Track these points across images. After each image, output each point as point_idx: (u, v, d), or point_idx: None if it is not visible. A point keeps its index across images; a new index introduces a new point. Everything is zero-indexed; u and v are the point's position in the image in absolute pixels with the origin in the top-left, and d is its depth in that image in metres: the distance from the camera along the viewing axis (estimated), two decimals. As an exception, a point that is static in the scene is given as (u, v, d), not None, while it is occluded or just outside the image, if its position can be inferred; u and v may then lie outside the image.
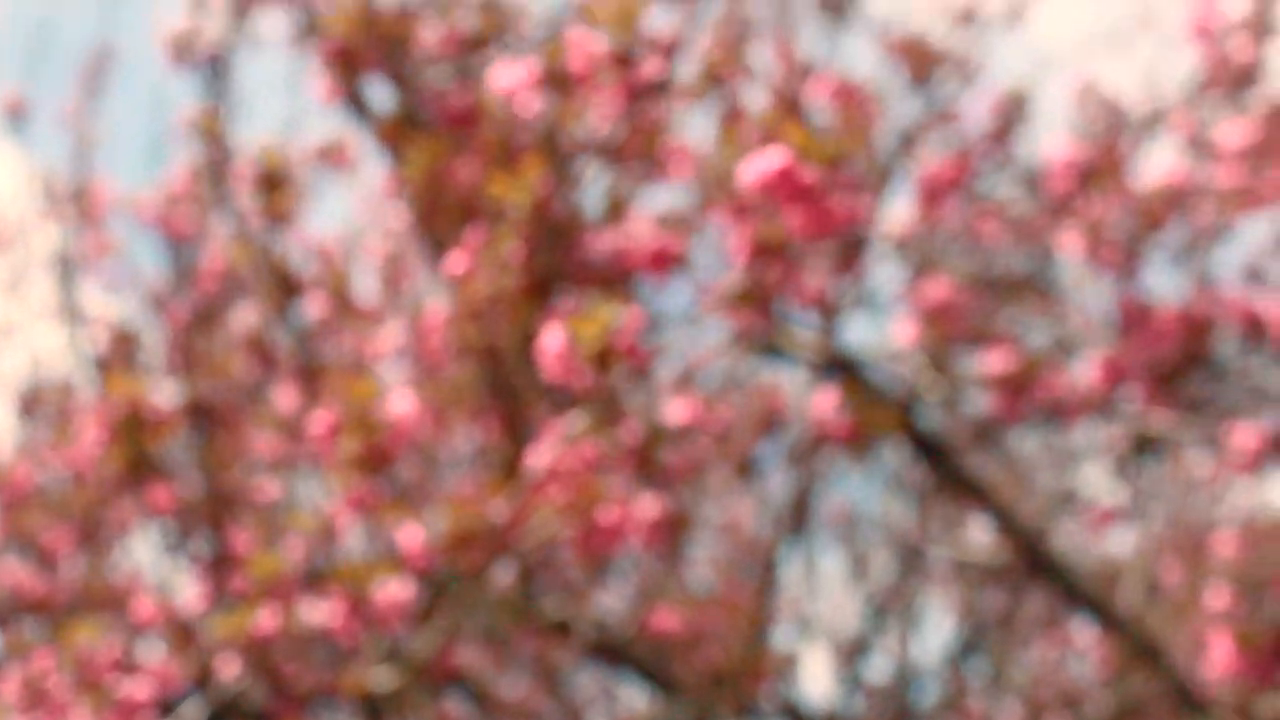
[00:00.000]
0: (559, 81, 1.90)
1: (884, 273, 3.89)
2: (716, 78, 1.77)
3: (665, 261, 2.42)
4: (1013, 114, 3.35)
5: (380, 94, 2.63)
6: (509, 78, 1.90)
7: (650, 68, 1.78)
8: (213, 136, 2.57)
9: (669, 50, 1.78)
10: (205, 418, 3.84)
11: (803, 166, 1.62)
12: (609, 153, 1.98)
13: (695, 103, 1.80)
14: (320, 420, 2.05)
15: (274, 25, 2.93)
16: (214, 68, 2.66)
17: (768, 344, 4.11)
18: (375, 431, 2.05)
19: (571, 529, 2.04)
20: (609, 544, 2.09)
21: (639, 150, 1.99)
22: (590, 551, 2.03)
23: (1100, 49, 3.89)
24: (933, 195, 3.57)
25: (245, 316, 3.62)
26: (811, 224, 1.61)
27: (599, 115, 1.87)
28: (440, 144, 2.18)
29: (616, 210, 2.09)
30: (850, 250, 3.76)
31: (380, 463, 2.06)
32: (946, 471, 4.04)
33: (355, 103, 2.72)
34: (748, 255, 2.49)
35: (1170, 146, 3.55)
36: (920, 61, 3.90)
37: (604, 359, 1.80)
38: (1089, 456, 4.42)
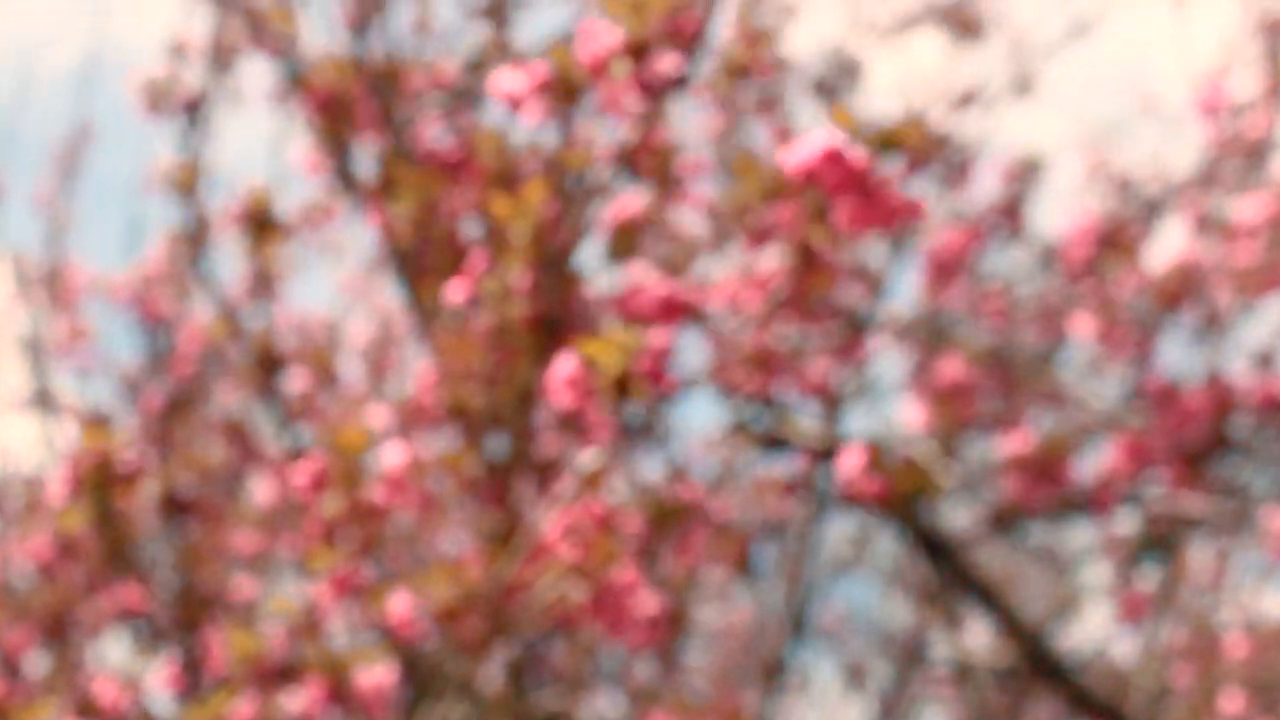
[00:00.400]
0: (566, 86, 1.68)
1: (890, 355, 3.67)
2: (740, 71, 1.55)
3: (675, 312, 2.19)
4: (1024, 183, 3.16)
5: (367, 155, 2.42)
6: (510, 85, 1.67)
7: (668, 61, 1.56)
8: (188, 190, 2.33)
9: (690, 41, 1.56)
10: (181, 511, 3.57)
11: (853, 149, 1.39)
12: (621, 166, 1.76)
13: (717, 99, 1.57)
14: (304, 470, 1.79)
15: (257, 78, 2.71)
16: (191, 118, 2.43)
17: (768, 434, 3.88)
18: (363, 484, 1.79)
19: (581, 593, 1.77)
20: (622, 612, 1.82)
21: (653, 166, 1.76)
22: (602, 618, 1.76)
23: (1106, 128, 3.74)
24: (940, 271, 3.37)
25: (223, 400, 3.38)
26: (864, 215, 1.38)
27: (611, 117, 1.65)
28: (431, 180, 1.95)
29: (626, 240, 1.86)
30: (854, 331, 3.55)
31: (369, 522, 1.80)
32: (949, 569, 3.79)
33: (340, 161, 2.50)
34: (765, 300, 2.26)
35: (1182, 225, 3.36)
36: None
37: (624, 386, 1.55)
38: (1095, 555, 4.20)
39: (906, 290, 3.77)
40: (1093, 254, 3.11)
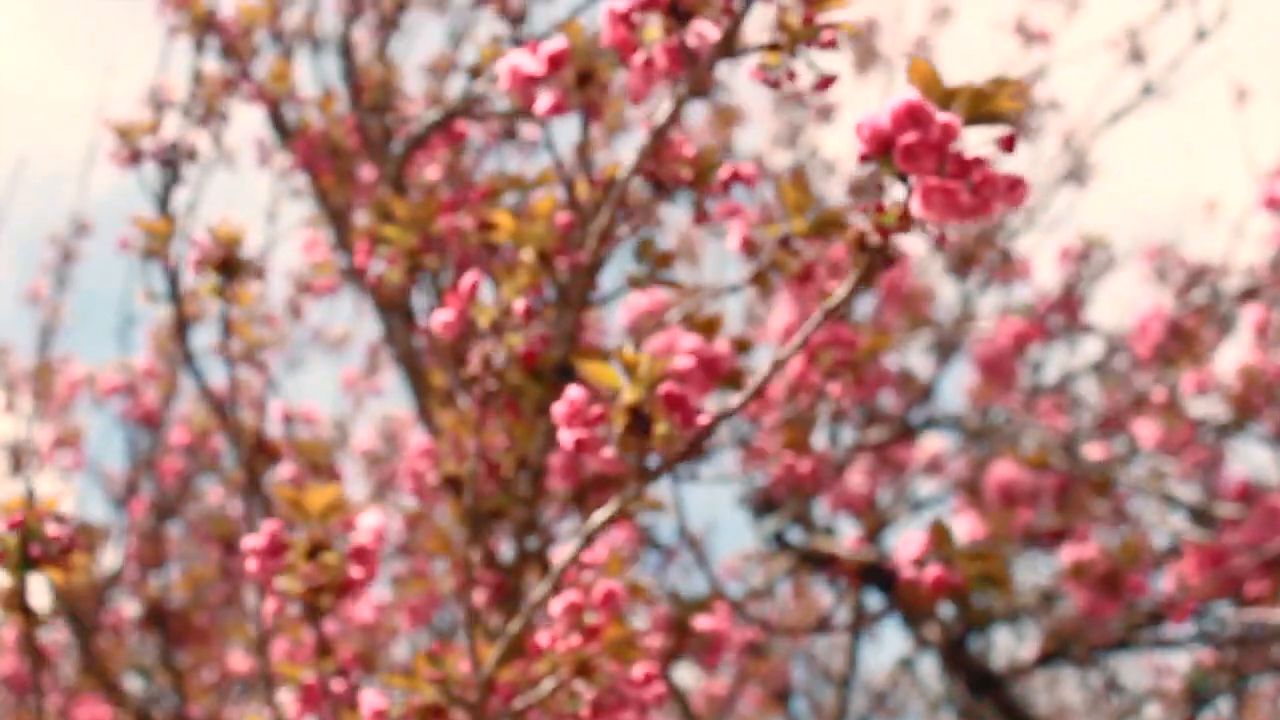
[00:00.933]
0: (585, 65, 1.37)
1: (937, 462, 3.32)
2: (793, 39, 1.24)
3: (714, 376, 1.87)
4: (1084, 268, 2.84)
5: (361, 209, 2.13)
6: (522, 65, 1.36)
7: (710, 27, 1.26)
8: (163, 249, 2.02)
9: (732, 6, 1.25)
10: (168, 624, 3.23)
11: (934, 109, 1.07)
12: (649, 173, 1.44)
13: (765, 73, 1.25)
14: (262, 533, 1.46)
15: (247, 132, 2.42)
16: (169, 170, 2.13)
17: (805, 550, 3.52)
18: (333, 555, 1.45)
19: (586, 693, 1.42)
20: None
21: (689, 175, 1.45)
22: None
23: (1169, 222, 3.45)
24: (992, 371, 3.04)
25: (213, 500, 3.05)
26: (952, 198, 1.05)
27: (638, 95, 1.33)
28: (427, 210, 1.64)
29: (654, 265, 1.54)
30: (899, 438, 3.20)
31: (340, 594, 1.46)
32: (997, 703, 3.40)
33: (338, 230, 2.20)
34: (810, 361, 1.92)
35: (1251, 323, 3.02)
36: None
37: (642, 420, 1.21)
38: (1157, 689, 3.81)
39: (955, 393, 3.44)
40: (1161, 350, 2.77)
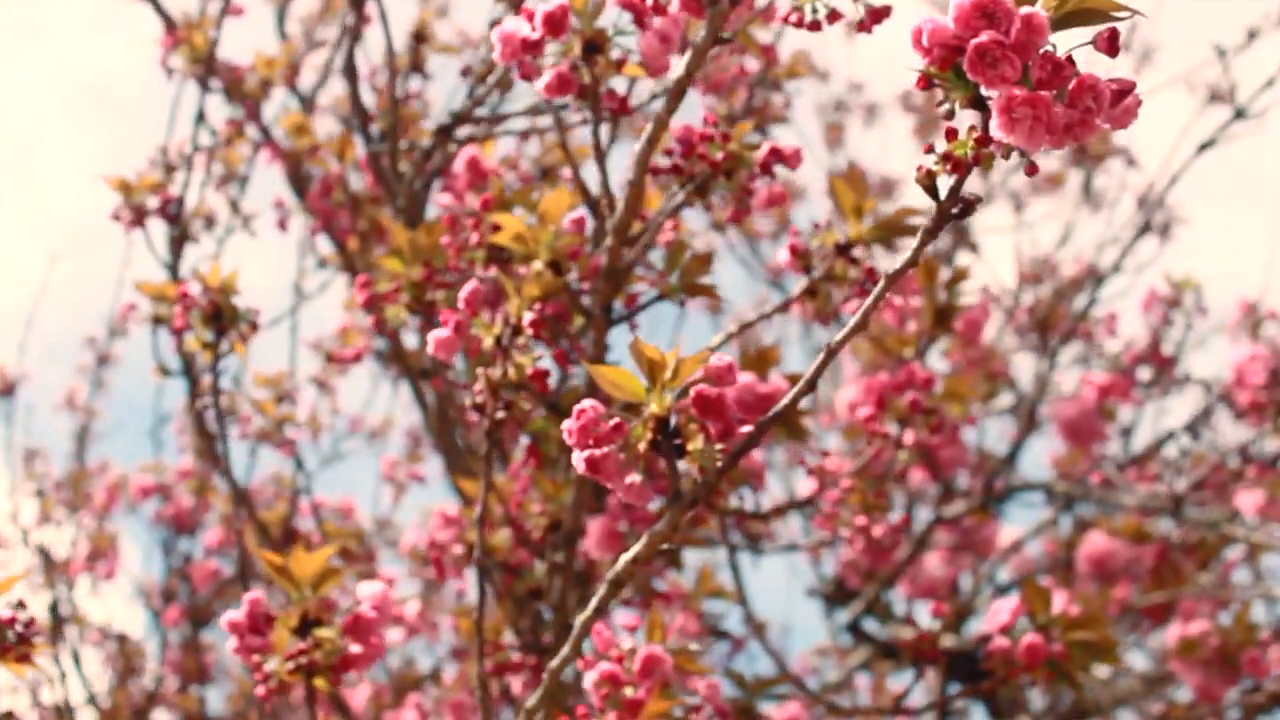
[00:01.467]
0: (590, 27, 1.14)
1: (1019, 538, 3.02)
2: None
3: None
4: (1175, 314, 2.55)
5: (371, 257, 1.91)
6: (518, 30, 1.14)
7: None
8: (170, 308, 1.81)
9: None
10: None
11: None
12: (672, 154, 1.20)
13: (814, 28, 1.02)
14: (243, 606, 1.23)
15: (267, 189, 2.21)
16: (176, 230, 1.93)
17: (882, 642, 3.21)
18: (327, 629, 1.21)
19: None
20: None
21: (723, 147, 1.20)
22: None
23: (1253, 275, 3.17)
24: (1079, 430, 2.75)
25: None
26: (1040, 115, 0.81)
27: (655, 65, 1.11)
28: (432, 235, 1.42)
29: (692, 271, 1.29)
30: (978, 514, 2.91)
31: (337, 673, 1.21)
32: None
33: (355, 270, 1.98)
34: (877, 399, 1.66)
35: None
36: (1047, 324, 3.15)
37: (666, 435, 0.96)
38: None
39: (1037, 467, 3.17)
40: (1265, 400, 2.47)
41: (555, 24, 1.15)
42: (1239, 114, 2.17)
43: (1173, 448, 2.70)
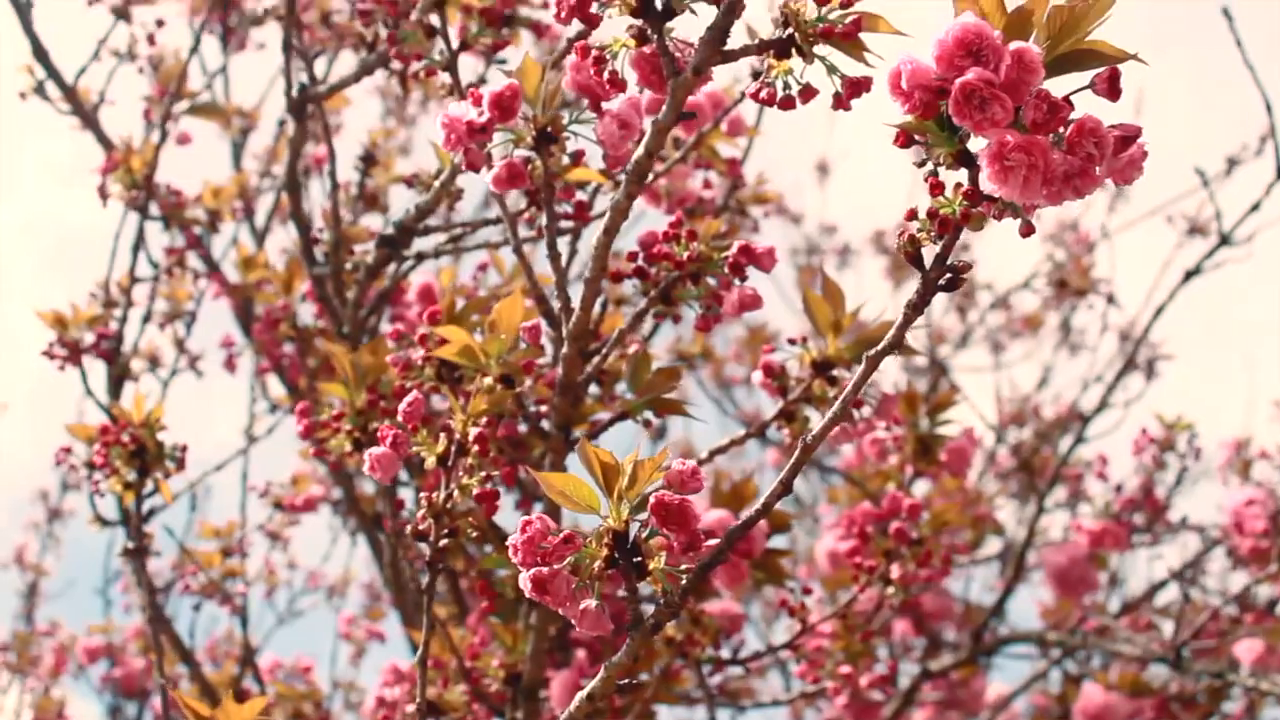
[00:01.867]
0: (545, 123, 1.04)
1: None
2: (806, 33, 0.90)
3: (746, 557, 1.50)
4: (1168, 455, 2.43)
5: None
6: (463, 115, 1.03)
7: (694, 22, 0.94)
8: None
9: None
10: None
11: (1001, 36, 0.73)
12: (637, 265, 1.09)
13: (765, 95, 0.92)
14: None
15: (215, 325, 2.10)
16: (114, 365, 1.80)
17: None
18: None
19: None
20: None
21: (689, 247, 1.09)
22: None
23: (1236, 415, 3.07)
24: (1069, 578, 2.60)
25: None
26: (1037, 166, 0.70)
27: (615, 148, 1.00)
28: (375, 354, 1.30)
29: (659, 385, 1.17)
30: (971, 662, 2.75)
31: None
32: None
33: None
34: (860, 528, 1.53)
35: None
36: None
37: (631, 551, 0.83)
38: None
39: (1025, 617, 3.01)
40: (1266, 546, 2.33)
41: (504, 107, 1.05)
42: (1224, 240, 2.08)
43: (1167, 595, 2.56)
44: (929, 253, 0.80)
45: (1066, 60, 0.76)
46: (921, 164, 0.79)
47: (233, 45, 2.17)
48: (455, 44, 1.23)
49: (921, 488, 2.01)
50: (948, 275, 0.80)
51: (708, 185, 1.58)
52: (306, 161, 2.08)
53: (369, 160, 1.73)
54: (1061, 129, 0.74)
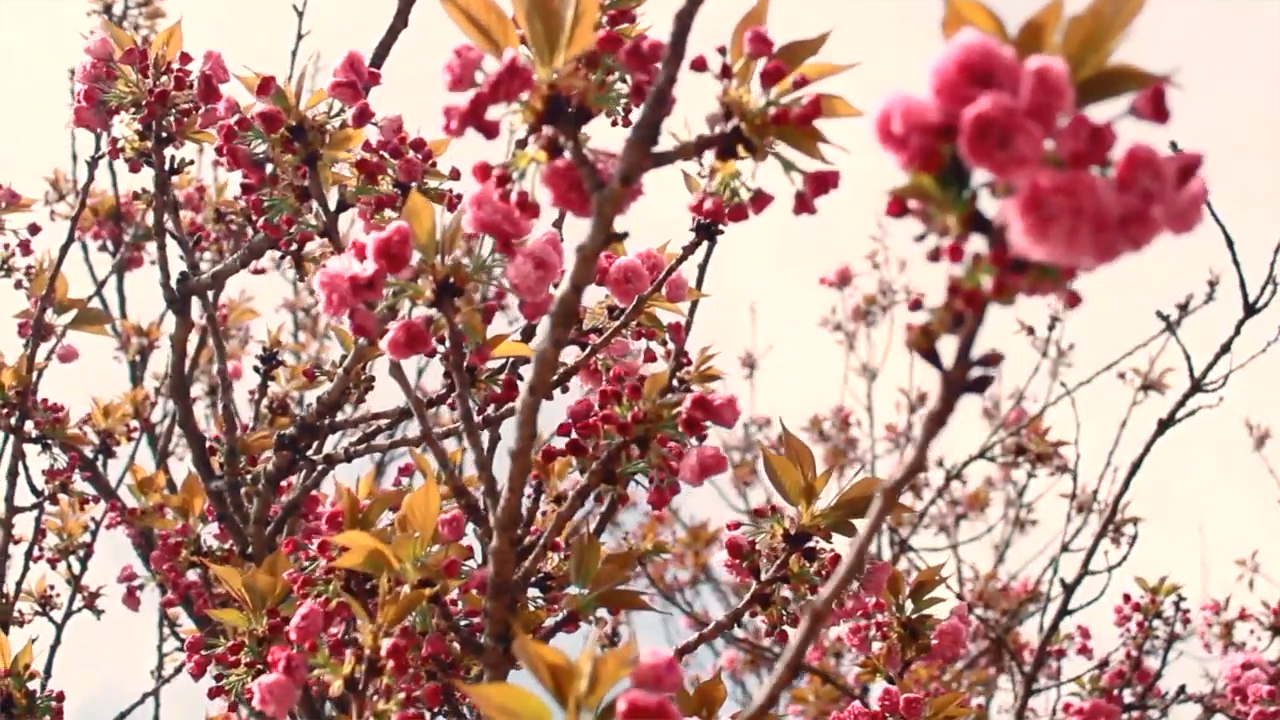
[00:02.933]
0: (447, 273, 0.85)
1: None
2: (755, 124, 0.72)
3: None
4: (1155, 622, 2.21)
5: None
6: (338, 275, 0.83)
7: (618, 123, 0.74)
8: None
9: (646, 62, 0.74)
10: None
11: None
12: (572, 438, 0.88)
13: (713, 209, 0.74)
14: None
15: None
16: None
17: None
18: None
19: None
20: None
21: (634, 403, 0.89)
22: None
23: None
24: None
25: None
26: (1083, 212, 0.51)
27: (533, 295, 0.81)
28: (274, 569, 1.07)
29: (609, 577, 0.95)
30: None
31: None
32: None
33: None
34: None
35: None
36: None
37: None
38: None
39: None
40: (1274, 713, 2.10)
41: (393, 255, 0.85)
42: (1197, 386, 1.91)
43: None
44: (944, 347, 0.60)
45: (1094, 86, 0.57)
46: (921, 238, 0.60)
47: (126, 260, 1.98)
48: (333, 204, 1.04)
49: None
50: (978, 368, 0.59)
51: (651, 357, 1.38)
52: (215, 377, 1.87)
53: (270, 361, 1.53)
54: (1106, 163, 0.55)
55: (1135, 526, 2.43)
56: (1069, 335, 3.15)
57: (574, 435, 0.97)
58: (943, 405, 0.60)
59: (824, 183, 0.75)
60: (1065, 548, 2.69)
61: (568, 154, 0.77)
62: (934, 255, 0.58)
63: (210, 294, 1.27)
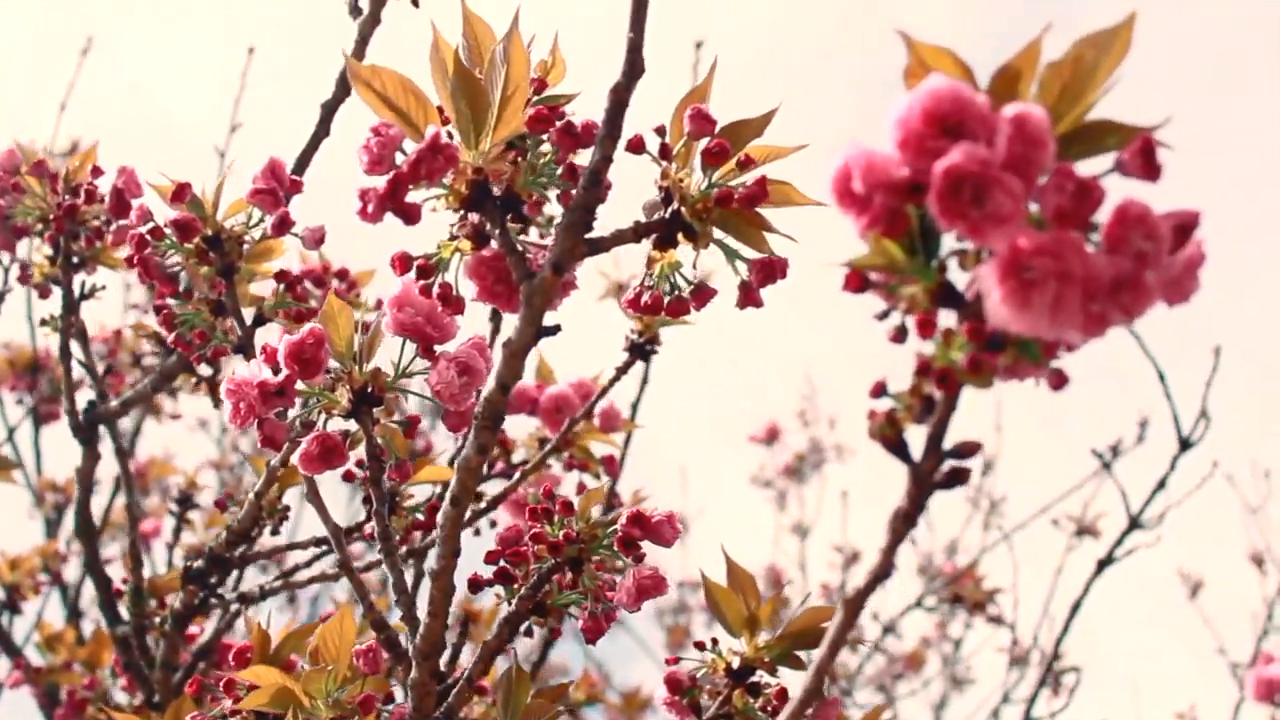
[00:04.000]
0: (364, 382, 0.76)
1: None
2: (696, 208, 0.65)
3: None
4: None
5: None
6: (245, 382, 0.75)
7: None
8: None
9: (568, 157, 0.67)
10: None
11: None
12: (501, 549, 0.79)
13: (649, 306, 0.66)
14: None
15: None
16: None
17: None
18: None
19: None
20: None
21: (565, 522, 0.81)
22: None
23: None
24: None
25: None
26: (1070, 279, 0.44)
27: (456, 408, 0.73)
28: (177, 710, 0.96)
29: (540, 711, 0.84)
30: None
31: None
32: None
33: None
34: None
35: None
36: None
37: None
38: None
39: None
40: None
41: (305, 360, 0.76)
42: (1135, 523, 1.85)
43: None
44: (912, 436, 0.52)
45: (1074, 141, 0.51)
46: (884, 315, 0.52)
47: (43, 414, 1.87)
48: (249, 319, 0.95)
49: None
50: (950, 465, 0.51)
51: (582, 490, 1.29)
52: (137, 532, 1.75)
53: (185, 503, 1.42)
54: (1091, 222, 0.48)
55: (1076, 675, 2.34)
56: (1001, 484, 3.10)
57: (502, 563, 0.88)
58: (911, 503, 0.51)
59: (771, 271, 0.68)
60: (1006, 698, 2.60)
61: (495, 243, 0.69)
62: (898, 335, 0.51)
63: (121, 425, 1.17)
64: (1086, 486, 2.53)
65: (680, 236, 0.69)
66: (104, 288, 1.19)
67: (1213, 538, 3.04)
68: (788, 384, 4.17)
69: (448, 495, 0.72)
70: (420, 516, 1.02)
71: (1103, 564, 1.88)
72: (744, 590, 0.99)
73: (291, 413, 0.80)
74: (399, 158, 0.67)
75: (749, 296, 0.69)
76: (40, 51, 4.17)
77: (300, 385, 0.78)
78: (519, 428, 1.38)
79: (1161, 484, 1.82)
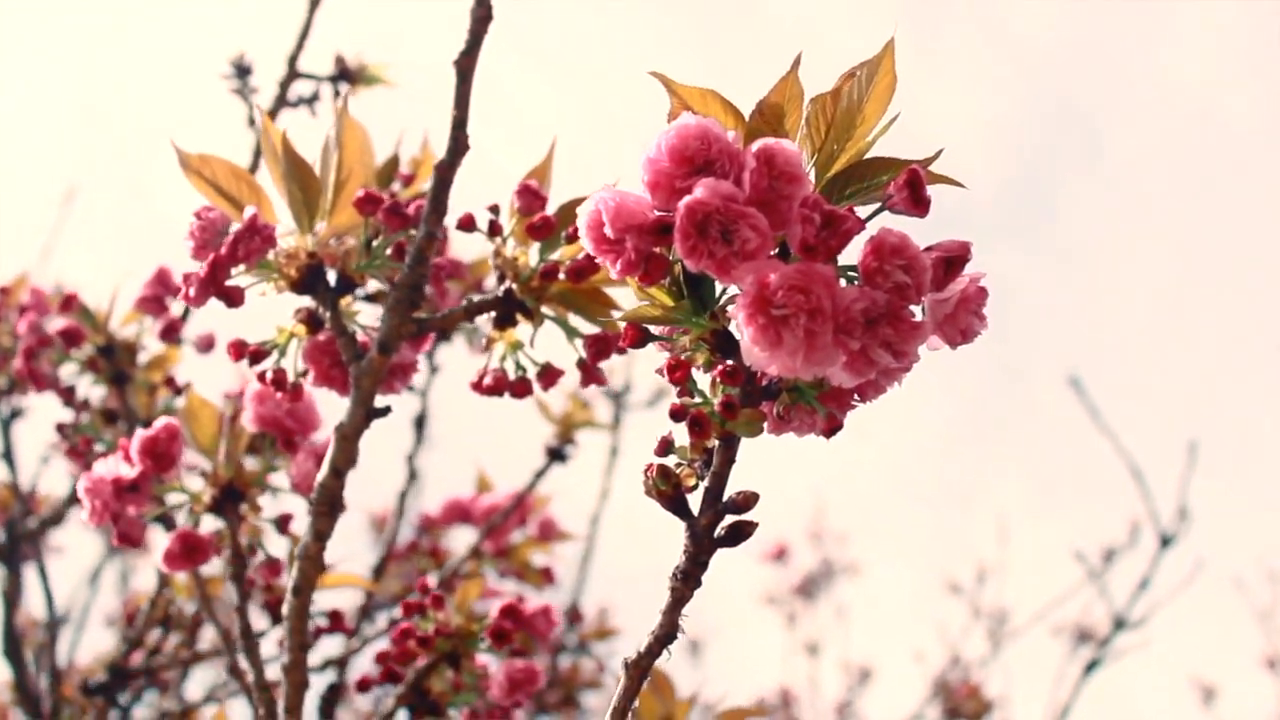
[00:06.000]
0: (227, 479, 0.74)
1: None
2: (531, 288, 0.63)
3: None
4: None
5: None
6: (99, 480, 0.72)
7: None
8: None
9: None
10: None
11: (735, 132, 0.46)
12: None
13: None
14: None
15: None
16: None
17: None
18: None
19: None
20: None
21: (434, 616, 0.77)
22: None
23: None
24: None
25: None
26: (820, 316, 0.42)
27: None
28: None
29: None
30: None
31: None
32: None
33: None
34: None
35: None
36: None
37: None
38: None
39: None
40: None
41: (159, 454, 0.74)
42: (1120, 624, 1.78)
43: None
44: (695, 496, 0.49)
45: (854, 177, 0.48)
46: (668, 371, 0.49)
47: None
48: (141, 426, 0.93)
49: None
50: (728, 521, 0.48)
51: (520, 601, 1.25)
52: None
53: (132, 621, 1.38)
54: (841, 251, 0.45)
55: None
56: (1003, 594, 3.00)
57: (389, 664, 0.84)
58: (690, 560, 0.48)
59: (605, 346, 0.66)
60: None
61: (328, 326, 0.67)
62: (671, 361, 0.48)
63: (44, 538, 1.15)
64: (1083, 592, 2.45)
65: (518, 315, 0.67)
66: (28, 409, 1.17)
67: (1225, 643, 2.94)
68: (797, 502, 4.10)
69: (289, 586, 0.69)
70: (323, 622, 0.98)
71: (1090, 666, 1.81)
72: (661, 692, 0.95)
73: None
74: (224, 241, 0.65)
75: (589, 374, 0.67)
76: None
77: (156, 481, 0.75)
78: (457, 539, 1.36)
79: (1143, 584, 1.76)
